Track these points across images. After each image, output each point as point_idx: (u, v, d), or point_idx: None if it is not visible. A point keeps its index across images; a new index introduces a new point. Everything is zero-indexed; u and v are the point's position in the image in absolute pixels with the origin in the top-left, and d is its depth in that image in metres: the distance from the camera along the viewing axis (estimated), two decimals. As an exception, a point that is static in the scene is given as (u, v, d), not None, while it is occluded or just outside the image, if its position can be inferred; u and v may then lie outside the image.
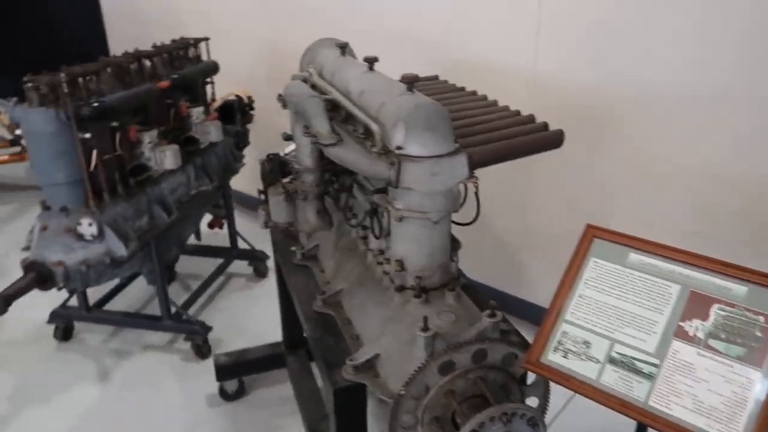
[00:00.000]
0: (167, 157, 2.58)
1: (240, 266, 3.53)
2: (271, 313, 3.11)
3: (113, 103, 2.34)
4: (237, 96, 3.35)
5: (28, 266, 2.25)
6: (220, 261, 3.45)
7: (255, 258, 3.48)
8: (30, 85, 2.20)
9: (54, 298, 2.71)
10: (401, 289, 1.45)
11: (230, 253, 3.48)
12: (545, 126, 1.68)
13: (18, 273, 3.47)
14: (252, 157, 3.47)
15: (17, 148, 4.74)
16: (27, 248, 2.46)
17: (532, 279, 2.89)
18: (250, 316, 3.15)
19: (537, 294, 2.83)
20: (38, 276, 2.24)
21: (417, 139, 1.33)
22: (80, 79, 2.28)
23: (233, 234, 3.46)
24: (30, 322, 2.99)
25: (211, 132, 2.97)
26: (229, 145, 3.30)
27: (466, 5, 2.72)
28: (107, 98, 2.33)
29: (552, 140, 1.63)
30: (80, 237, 2.32)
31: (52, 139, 2.26)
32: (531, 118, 1.76)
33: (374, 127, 1.40)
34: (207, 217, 3.48)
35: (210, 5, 4.06)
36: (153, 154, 2.58)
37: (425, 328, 1.27)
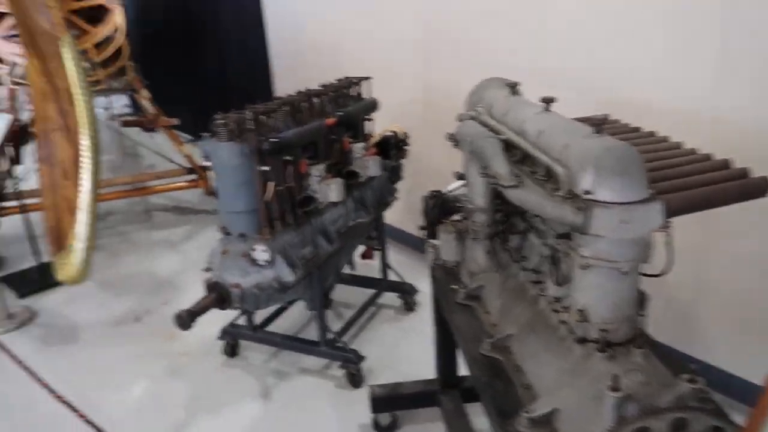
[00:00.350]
0: (332, 190, 2.72)
1: (389, 298, 3.59)
2: (420, 347, 3.12)
3: (289, 139, 2.52)
4: (393, 132, 3.45)
5: (211, 286, 2.47)
6: (371, 291, 3.55)
7: (404, 291, 3.53)
8: (220, 122, 2.43)
9: (223, 316, 2.94)
10: (583, 341, 1.37)
11: (381, 284, 3.55)
12: (744, 173, 1.52)
13: (192, 289, 3.82)
14: (403, 191, 3.55)
15: (194, 176, 5.29)
16: (208, 269, 2.70)
17: (709, 337, 2.61)
18: (400, 349, 3.17)
19: (714, 355, 2.55)
20: (219, 296, 2.44)
21: (608, 183, 1.26)
22: (262, 117, 2.48)
23: (385, 266, 3.53)
24: (203, 336, 3.27)
25: (370, 166, 3.08)
26: (384, 179, 3.40)
27: (631, 42, 2.58)
28: (284, 134, 2.51)
29: (755, 188, 1.47)
30: (254, 262, 2.50)
31: (236, 171, 2.48)
32: (725, 164, 1.60)
33: (559, 169, 1.35)
34: (360, 248, 3.60)
35: (369, 47, 4.27)
36: (320, 186, 2.73)
37: (615, 388, 1.18)
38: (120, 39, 4.15)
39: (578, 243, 1.34)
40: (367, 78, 3.30)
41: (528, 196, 1.39)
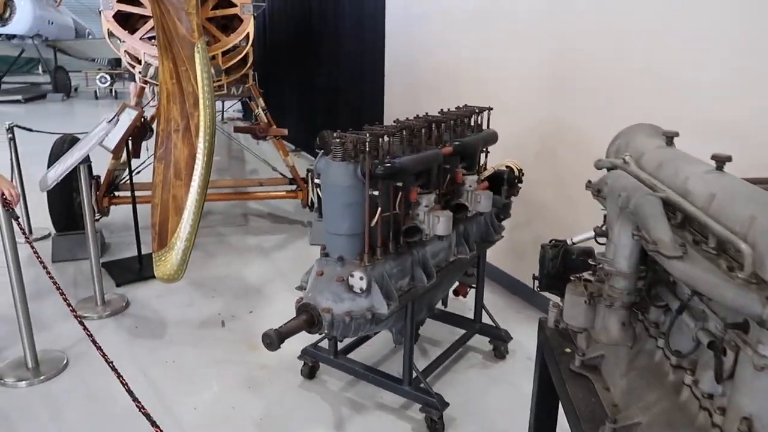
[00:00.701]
0: (440, 223, 2.56)
1: (479, 341, 3.37)
2: (509, 401, 2.89)
3: (404, 165, 2.40)
4: (508, 167, 3.26)
5: (302, 307, 2.37)
6: (460, 331, 3.35)
7: (497, 336, 3.29)
8: (338, 140, 2.35)
9: (308, 334, 2.84)
10: (746, 457, 1.12)
11: (473, 325, 3.34)
12: None
13: (278, 299, 3.79)
14: (507, 229, 3.34)
15: (294, 187, 5.33)
16: (301, 288, 2.62)
17: None
18: (487, 399, 2.94)
19: None
20: (309, 318, 2.34)
21: (810, 273, 1.02)
22: (380, 139, 2.38)
23: (479, 307, 3.32)
24: (284, 351, 3.15)
25: (482, 202, 2.90)
26: (491, 215, 3.21)
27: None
28: (400, 160, 2.39)
29: None
30: (350, 288, 2.38)
31: (345, 192, 2.38)
32: None
33: (742, 246, 1.12)
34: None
35: (486, 76, 4.12)
36: (427, 217, 2.59)
37: None
38: (247, 48, 4.26)
39: (757, 339, 1.10)
40: (488, 108, 3.14)
41: (697, 274, 1.17)
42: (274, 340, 2.18)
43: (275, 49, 9.28)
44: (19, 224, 2.84)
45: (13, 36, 16.01)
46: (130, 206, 4.46)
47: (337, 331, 2.41)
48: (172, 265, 3.00)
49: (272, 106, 5.58)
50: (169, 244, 3.04)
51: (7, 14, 15.23)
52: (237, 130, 5.44)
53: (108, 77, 16.88)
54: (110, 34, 4.08)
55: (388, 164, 2.33)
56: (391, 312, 2.43)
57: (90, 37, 20.23)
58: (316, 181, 2.50)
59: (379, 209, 2.38)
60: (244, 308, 3.85)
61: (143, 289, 4.10)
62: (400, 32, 5.39)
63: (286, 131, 5.23)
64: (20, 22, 15.48)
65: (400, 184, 2.47)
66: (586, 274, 1.74)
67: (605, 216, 1.87)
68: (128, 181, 4.43)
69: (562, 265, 2.05)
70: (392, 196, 2.48)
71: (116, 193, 4.95)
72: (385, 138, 2.46)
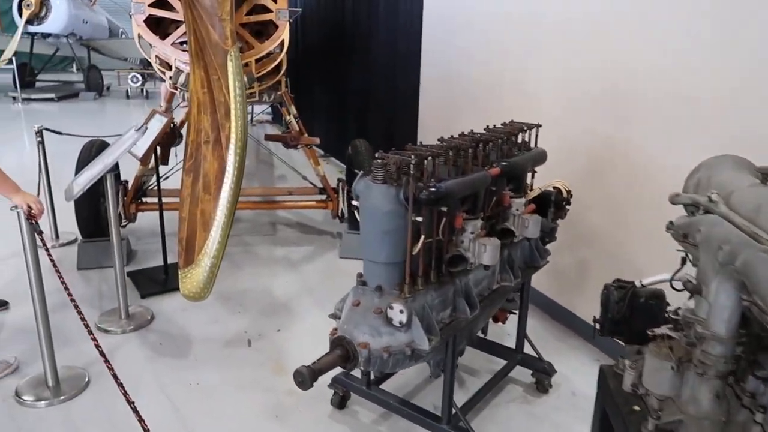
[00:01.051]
0: (487, 252, 2.36)
1: (520, 372, 3.15)
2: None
3: (451, 189, 2.20)
4: (555, 188, 3.05)
5: (337, 341, 2.19)
6: (498, 360, 3.14)
7: (541, 369, 3.07)
8: (379, 161, 2.17)
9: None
10: None
11: (514, 356, 3.13)
12: None
13: (307, 317, 3.64)
14: (552, 252, 3.12)
15: (324, 196, 5.16)
16: (335, 316, 2.44)
17: None
18: (530, 440, 2.73)
19: None
20: (344, 353, 2.16)
21: None
22: (425, 161, 2.19)
23: (521, 336, 3.11)
24: (312, 378, 3.02)
25: (530, 227, 2.70)
26: (536, 239, 2.99)
27: None
28: (446, 183, 2.20)
29: None
30: (389, 321, 2.20)
31: (386, 218, 2.20)
32: None
33: None
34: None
35: (537, 86, 3.89)
36: (473, 245, 2.39)
37: None
38: (281, 55, 4.10)
39: None
40: (536, 125, 2.93)
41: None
42: (306, 378, 2.01)
43: (306, 53, 9.15)
44: (41, 239, 2.72)
45: (49, 35, 16.21)
46: (157, 213, 4.35)
47: (373, 367, 2.23)
48: (198, 282, 2.85)
49: (301, 109, 5.41)
50: (196, 261, 2.89)
51: (43, 13, 15.42)
52: (268, 138, 5.30)
53: (140, 77, 16.99)
54: (140, 38, 3.96)
55: (434, 188, 2.14)
56: (432, 348, 2.24)
57: (123, 36, 20.42)
58: (354, 203, 2.32)
59: (423, 236, 2.20)
60: (271, 326, 3.69)
61: (168, 301, 3.97)
62: (438, 36, 5.18)
63: (318, 140, 5.06)
64: (56, 21, 15.65)
65: (444, 208, 2.28)
66: (665, 329, 1.52)
67: (683, 259, 1.65)
68: (156, 187, 4.31)
69: (629, 309, 1.84)
70: (435, 220, 2.29)
71: (144, 200, 4.85)
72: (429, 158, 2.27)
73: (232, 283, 4.26)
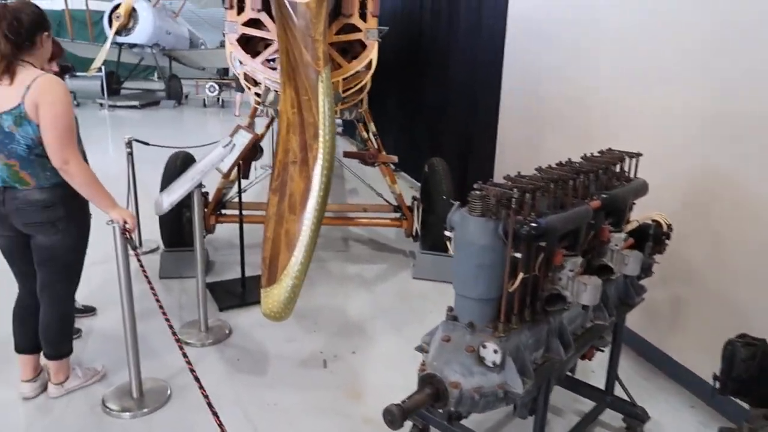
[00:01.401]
0: (587, 292, 2.21)
1: (610, 416, 2.96)
2: None
3: (553, 225, 2.08)
4: (654, 221, 2.85)
5: (427, 378, 2.10)
6: (584, 400, 2.97)
7: (632, 415, 2.88)
8: (477, 193, 2.08)
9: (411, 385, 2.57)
10: None
11: (603, 398, 2.94)
12: None
13: (381, 341, 3.57)
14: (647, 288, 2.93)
15: (397, 214, 5.11)
16: (421, 349, 2.36)
17: None
18: (622, 493, 2.55)
19: None
20: (434, 392, 2.07)
21: None
22: (527, 195, 2.08)
23: (612, 378, 2.92)
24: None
25: (630, 264, 2.53)
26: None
27: None
28: (548, 219, 2.08)
29: None
30: (481, 361, 2.09)
31: (481, 252, 2.10)
32: None
33: None
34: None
35: (632, 109, 3.69)
36: (572, 283, 2.25)
37: None
38: (368, 75, 4.08)
39: None
40: (637, 154, 2.76)
41: None
42: (396, 418, 1.93)
43: (381, 66, 9.16)
44: (136, 254, 2.78)
45: (135, 45, 17.09)
46: (235, 225, 4.41)
47: (464, 407, 2.13)
48: (279, 302, 2.85)
49: (373, 121, 5.35)
50: (278, 281, 2.89)
51: (131, 25, 16.28)
52: (347, 155, 5.30)
53: (216, 86, 17.61)
54: (231, 55, 4.04)
55: (535, 224, 2.02)
56: (526, 391, 2.12)
57: (203, 47, 21.29)
58: (447, 233, 2.23)
59: (521, 273, 2.08)
60: (346, 347, 3.65)
61: (245, 315, 4.01)
62: (523, 49, 5.01)
63: (395, 158, 5.02)
64: (142, 32, 16.50)
65: (543, 244, 2.16)
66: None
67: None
68: (234, 199, 4.38)
69: (758, 369, 1.67)
70: (535, 257, 2.17)
71: (223, 211, 4.94)
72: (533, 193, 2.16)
73: (307, 301, 4.25)
